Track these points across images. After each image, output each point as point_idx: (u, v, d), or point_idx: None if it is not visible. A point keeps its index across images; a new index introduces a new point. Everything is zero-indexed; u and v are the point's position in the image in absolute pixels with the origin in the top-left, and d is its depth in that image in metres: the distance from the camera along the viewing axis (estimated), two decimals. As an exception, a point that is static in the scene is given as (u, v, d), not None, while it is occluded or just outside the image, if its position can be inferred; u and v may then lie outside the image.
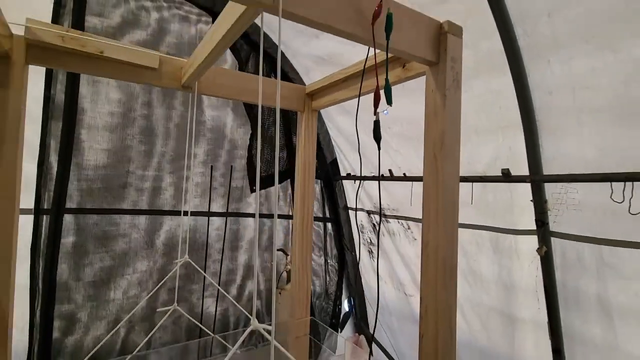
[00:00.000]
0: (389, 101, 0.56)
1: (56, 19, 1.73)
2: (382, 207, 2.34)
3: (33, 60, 0.75)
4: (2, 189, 0.66)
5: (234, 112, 2.26)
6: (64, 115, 1.74)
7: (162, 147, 2.02)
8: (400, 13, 0.60)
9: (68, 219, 1.79)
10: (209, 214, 2.09)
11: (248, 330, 0.45)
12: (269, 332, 0.40)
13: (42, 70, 1.67)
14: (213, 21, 2.15)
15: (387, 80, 0.57)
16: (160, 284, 1.11)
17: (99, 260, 1.86)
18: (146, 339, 1.14)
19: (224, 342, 1.23)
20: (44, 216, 1.71)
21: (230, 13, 0.60)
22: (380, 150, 0.61)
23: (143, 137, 1.96)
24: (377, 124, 0.57)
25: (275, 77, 2.31)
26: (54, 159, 1.74)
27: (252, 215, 2.31)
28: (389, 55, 0.62)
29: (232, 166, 2.20)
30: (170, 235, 2.05)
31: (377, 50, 0.66)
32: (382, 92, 0.59)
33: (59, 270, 1.76)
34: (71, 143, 1.78)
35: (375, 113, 0.56)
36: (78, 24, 1.77)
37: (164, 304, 1.97)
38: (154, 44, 1.97)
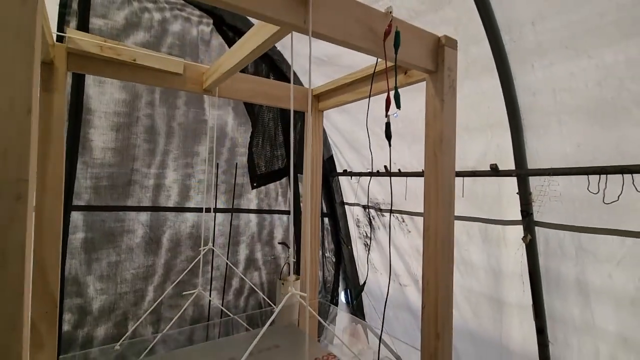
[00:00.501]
0: (398, 105, 0.66)
1: (62, 20, 1.77)
2: (377, 201, 2.46)
3: (73, 67, 0.82)
4: (51, 184, 0.74)
5: (234, 111, 2.33)
6: (70, 114, 1.79)
7: (166, 146, 2.09)
8: (405, 30, 0.70)
9: (76, 215, 1.84)
10: (216, 210, 2.17)
11: (287, 295, 0.54)
12: (304, 299, 0.50)
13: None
14: (214, 23, 2.21)
15: (396, 88, 0.66)
16: (186, 270, 1.19)
17: (106, 255, 1.92)
18: (175, 318, 1.22)
19: (242, 322, 1.31)
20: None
21: (262, 30, 0.69)
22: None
23: (147, 135, 2.02)
24: (388, 126, 0.67)
25: (275, 77, 2.39)
26: (62, 158, 1.79)
27: (256, 212, 2.40)
28: (394, 64, 0.71)
29: (236, 163, 2.27)
30: (174, 231, 2.12)
31: (381, 59, 0.75)
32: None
33: (68, 265, 1.81)
34: (77, 142, 1.83)
35: (387, 116, 0.66)
36: (83, 25, 1.82)
37: (170, 297, 2.05)
38: (156, 45, 2.03)
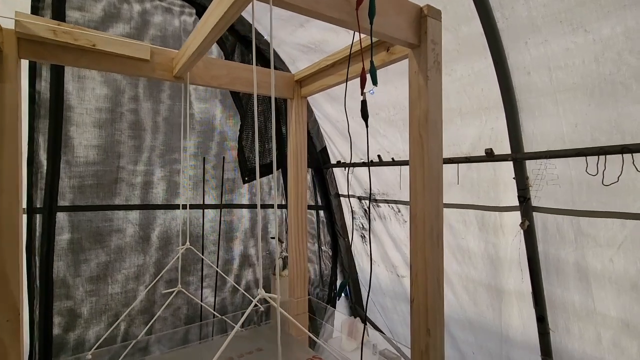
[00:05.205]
0: (374, 81, 0.60)
1: (35, 13, 1.70)
2: (372, 191, 2.40)
3: (26, 54, 0.75)
4: (7, 185, 0.68)
5: (222, 104, 2.27)
6: (51, 112, 1.73)
7: (152, 142, 2.02)
8: (382, -2, 0.63)
9: (61, 216, 1.79)
10: (204, 206, 2.12)
11: (256, 299, 0.49)
12: (274, 300, 0.44)
13: (25, 66, 1.64)
14: (196, 13, 2.13)
15: (371, 61, 0.60)
16: (165, 269, 1.14)
17: (95, 256, 1.87)
18: (154, 318, 1.17)
19: (229, 321, 1.27)
20: (37, 215, 1.71)
21: (222, 3, 0.62)
22: (369, 137, 0.65)
23: (132, 131, 1.96)
24: (364, 104, 0.61)
25: (260, 64, 2.32)
26: (43, 157, 1.73)
27: (247, 207, 2.34)
28: (374, 40, 0.65)
29: (223, 158, 2.21)
30: (164, 228, 2.07)
31: (363, 35, 0.69)
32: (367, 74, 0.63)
33: (56, 267, 1.77)
34: (59, 140, 1.77)
35: (362, 93, 0.60)
36: (59, 18, 1.74)
37: (162, 296, 2.00)
38: (138, 37, 1.95)
